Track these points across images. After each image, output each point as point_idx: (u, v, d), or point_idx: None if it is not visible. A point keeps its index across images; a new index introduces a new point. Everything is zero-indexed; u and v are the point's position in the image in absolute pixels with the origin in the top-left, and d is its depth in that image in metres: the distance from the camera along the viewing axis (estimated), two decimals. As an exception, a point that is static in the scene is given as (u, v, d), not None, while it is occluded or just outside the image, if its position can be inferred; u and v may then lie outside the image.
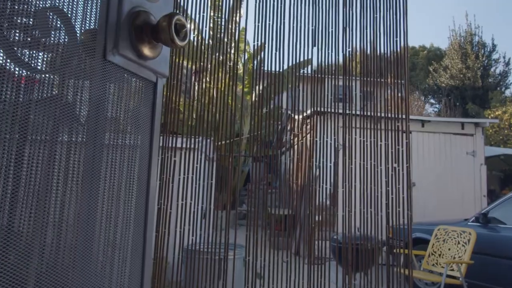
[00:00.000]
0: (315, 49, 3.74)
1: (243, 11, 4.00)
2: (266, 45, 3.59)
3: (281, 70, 3.66)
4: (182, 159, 3.74)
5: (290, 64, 3.69)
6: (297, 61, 3.68)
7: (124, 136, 0.92)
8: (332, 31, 3.77)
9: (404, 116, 3.75)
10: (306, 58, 3.71)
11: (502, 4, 41.62)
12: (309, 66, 4.11)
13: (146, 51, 0.95)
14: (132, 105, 0.95)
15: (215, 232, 3.68)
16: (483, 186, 10.08)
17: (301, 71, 3.97)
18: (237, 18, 3.82)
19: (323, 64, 3.72)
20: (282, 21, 3.65)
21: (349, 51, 3.72)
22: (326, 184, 4.03)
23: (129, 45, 0.90)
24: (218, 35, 3.82)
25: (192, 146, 3.83)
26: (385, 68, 3.78)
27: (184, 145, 3.78)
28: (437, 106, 29.15)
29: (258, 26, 3.57)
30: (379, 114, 3.90)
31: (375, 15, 3.76)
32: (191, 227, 3.66)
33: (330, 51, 3.72)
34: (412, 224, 3.81)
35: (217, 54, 3.83)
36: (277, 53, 3.60)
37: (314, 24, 3.73)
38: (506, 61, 25.71)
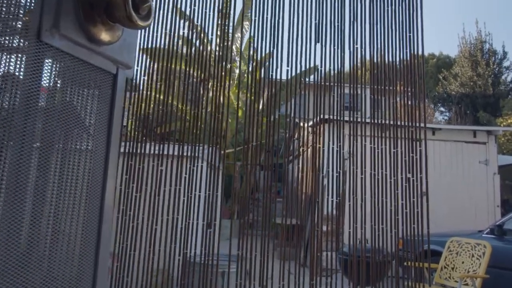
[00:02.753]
0: (318, 45, 3.39)
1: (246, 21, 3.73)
2: (263, 41, 3.29)
3: (280, 68, 3.36)
4: (188, 168, 3.54)
5: (291, 62, 3.34)
6: (298, 59, 3.36)
7: (68, 138, 0.74)
8: (337, 25, 3.42)
9: (417, 124, 3.49)
10: (308, 56, 3.37)
11: (512, 12, 41.18)
12: (313, 70, 3.85)
13: (100, 33, 0.77)
14: (80, 100, 0.77)
15: (207, 247, 3.44)
16: (497, 196, 9.80)
17: (306, 78, 3.72)
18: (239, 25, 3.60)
19: (327, 62, 3.39)
20: (282, 14, 3.31)
21: (356, 48, 3.40)
22: (333, 194, 3.81)
23: (75, 25, 0.72)
24: (225, 43, 3.63)
25: (197, 154, 3.64)
26: (400, 71, 3.47)
27: (189, 154, 3.58)
28: (447, 114, 28.78)
29: (255, 20, 3.29)
30: (391, 122, 3.65)
31: (386, 8, 3.42)
32: (178, 244, 3.40)
33: (335, 47, 3.39)
34: (429, 240, 3.56)
35: (223, 63, 3.64)
36: (275, 50, 3.30)
37: (317, 18, 3.38)
38: (518, 69, 25.34)
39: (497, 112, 23.42)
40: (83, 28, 0.74)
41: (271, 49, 3.30)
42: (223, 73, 3.44)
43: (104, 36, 0.78)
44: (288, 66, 3.36)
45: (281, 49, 3.31)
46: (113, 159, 0.81)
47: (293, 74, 3.41)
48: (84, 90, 0.78)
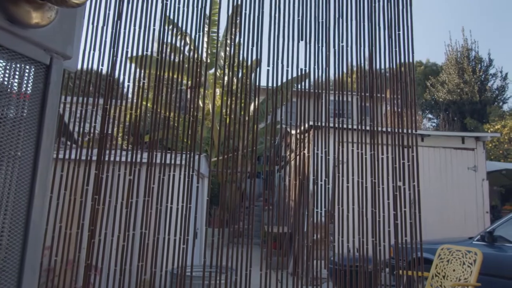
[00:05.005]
0: (302, 43, 3.16)
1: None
2: (242, 40, 3.08)
3: (260, 67, 3.15)
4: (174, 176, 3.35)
5: (272, 61, 3.10)
6: (280, 57, 3.13)
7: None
8: (322, 22, 3.18)
9: (409, 131, 3.35)
10: (291, 54, 3.15)
11: (498, 20, 41.99)
12: (301, 78, 3.67)
13: (25, 13, 0.62)
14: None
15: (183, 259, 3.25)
16: (486, 202, 9.81)
17: (294, 84, 3.57)
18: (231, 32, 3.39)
19: (312, 61, 3.17)
20: (262, 9, 3.07)
21: (342, 46, 3.21)
22: (322, 202, 3.67)
23: (-11, 2, 0.59)
24: (214, 50, 3.48)
25: (184, 162, 3.46)
26: (389, 74, 3.31)
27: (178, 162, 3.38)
28: (435, 121, 29.03)
29: (232, 15, 3.10)
30: (380, 128, 3.52)
31: (373, 4, 3.24)
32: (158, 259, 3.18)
33: (320, 45, 3.19)
34: (421, 248, 3.43)
35: (212, 70, 3.47)
36: (255, 48, 3.08)
37: (300, 14, 3.17)
38: (503, 76, 25.73)
39: (483, 119, 23.67)
40: (1, 6, 0.60)
41: (251, 47, 3.09)
42: (195, 79, 3.26)
43: (31, 17, 0.64)
44: (269, 66, 3.12)
45: (261, 47, 3.08)
46: (44, 168, 0.67)
47: (275, 73, 3.18)
48: (5, 83, 0.64)
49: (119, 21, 3.21)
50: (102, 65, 3.20)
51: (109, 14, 3.21)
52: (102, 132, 3.11)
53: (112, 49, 3.18)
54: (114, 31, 3.18)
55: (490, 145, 18.70)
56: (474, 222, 9.33)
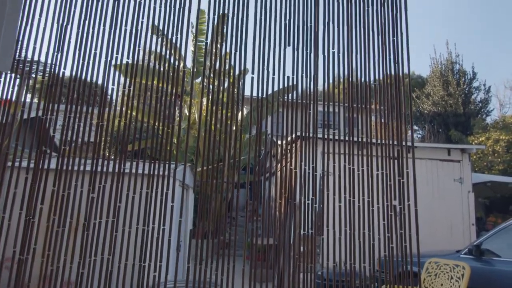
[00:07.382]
0: (289, 49, 2.98)
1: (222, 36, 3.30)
2: (224, 44, 2.89)
3: (243, 75, 2.96)
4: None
5: (257, 68, 2.89)
6: (265, 64, 2.92)
7: None
8: (311, 27, 3.02)
9: (404, 143, 3.19)
10: (277, 61, 2.97)
11: (482, 33, 42.96)
12: (289, 88, 3.49)
13: None
14: None
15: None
16: (472, 214, 9.83)
17: (283, 95, 3.40)
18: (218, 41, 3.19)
19: (299, 68, 2.98)
20: (246, 12, 2.89)
21: (333, 52, 3.03)
22: (309, 217, 3.51)
23: None
24: (201, 59, 3.31)
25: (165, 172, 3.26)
26: (383, 84, 3.15)
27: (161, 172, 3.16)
28: (420, 132, 29.35)
29: (214, 18, 2.91)
30: (375, 140, 3.37)
31: (366, 8, 3.08)
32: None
33: (308, 51, 3.01)
34: (413, 263, 3.28)
35: (198, 79, 3.30)
36: (238, 53, 2.89)
37: (287, 18, 2.99)
38: (486, 89, 26.26)
39: (468, 131, 24.02)
40: None
41: (234, 52, 2.89)
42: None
43: None
44: (253, 73, 2.93)
45: (245, 52, 2.88)
46: None
47: (260, 81, 2.99)
48: None
49: (86, 21, 3.00)
50: (65, 69, 2.99)
51: (75, 11, 3.00)
52: (63, 143, 2.88)
53: (78, 51, 2.97)
54: (80, 31, 2.97)
55: (474, 157, 18.90)
56: (460, 234, 9.33)
